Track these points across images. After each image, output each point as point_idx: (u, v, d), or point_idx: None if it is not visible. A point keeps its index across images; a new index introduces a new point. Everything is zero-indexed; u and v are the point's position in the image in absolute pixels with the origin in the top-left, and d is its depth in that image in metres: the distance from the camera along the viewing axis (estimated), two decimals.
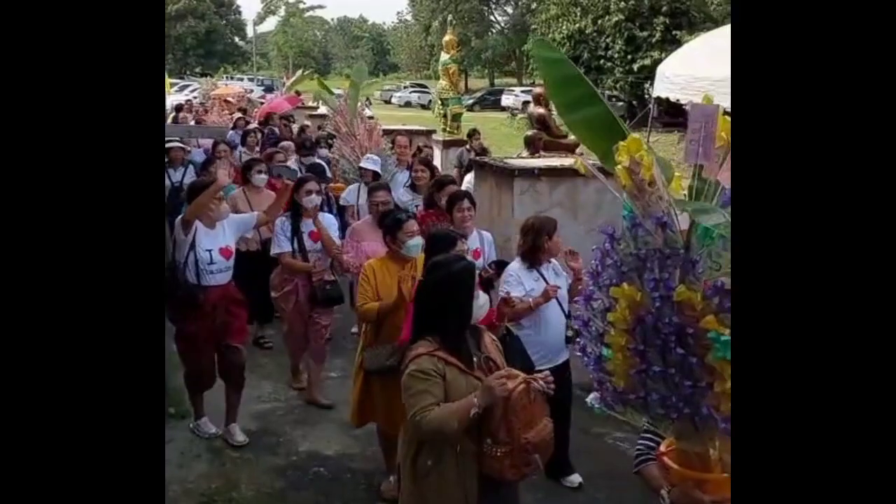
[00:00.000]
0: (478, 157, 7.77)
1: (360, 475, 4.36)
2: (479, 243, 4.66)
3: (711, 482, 1.79)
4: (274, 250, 5.16)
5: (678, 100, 10.14)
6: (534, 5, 32.85)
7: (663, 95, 10.07)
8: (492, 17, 51.39)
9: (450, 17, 21.86)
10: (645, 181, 1.67)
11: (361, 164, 6.61)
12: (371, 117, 8.10)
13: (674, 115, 24.02)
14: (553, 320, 4.10)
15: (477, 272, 4.32)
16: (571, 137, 11.19)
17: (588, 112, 1.99)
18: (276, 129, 10.89)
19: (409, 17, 62.61)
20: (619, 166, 1.71)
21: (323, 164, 7.58)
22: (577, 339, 1.94)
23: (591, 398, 1.94)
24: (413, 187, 6.22)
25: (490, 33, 49.92)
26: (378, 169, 6.50)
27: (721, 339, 1.55)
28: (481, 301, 2.86)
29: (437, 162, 12.39)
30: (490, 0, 49.43)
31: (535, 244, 4.12)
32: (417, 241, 3.95)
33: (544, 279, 4.12)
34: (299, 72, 18.86)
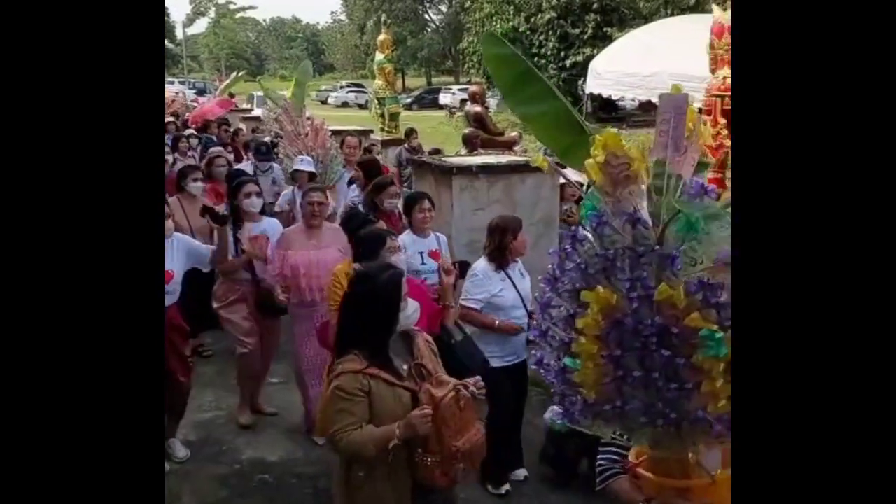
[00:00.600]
0: (417, 156, 7.77)
1: (306, 479, 4.32)
2: (437, 245, 4.57)
3: (695, 488, 1.70)
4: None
5: (610, 95, 10.38)
6: (468, 4, 33.00)
7: (595, 91, 10.28)
8: (426, 16, 51.46)
9: (384, 17, 21.81)
10: (625, 176, 1.59)
11: (295, 167, 6.33)
12: (308, 118, 7.88)
13: (607, 110, 24.63)
14: (517, 319, 4.10)
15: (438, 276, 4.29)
16: (513, 134, 11.34)
17: (545, 108, 1.92)
18: (214, 137, 10.51)
19: (343, 17, 62.22)
20: (591, 161, 1.61)
21: (247, 168, 7.29)
22: (533, 352, 1.81)
23: (550, 416, 1.83)
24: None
25: (425, 32, 49.97)
26: (313, 169, 6.34)
27: (715, 337, 1.47)
28: (410, 310, 2.78)
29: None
30: None
31: (502, 244, 4.07)
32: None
33: (511, 280, 4.10)
34: (234, 74, 18.49)
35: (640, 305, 1.55)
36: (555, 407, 1.81)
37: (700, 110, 6.22)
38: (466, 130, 9.53)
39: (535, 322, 1.81)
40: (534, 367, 1.81)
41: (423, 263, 4.38)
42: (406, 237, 4.48)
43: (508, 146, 10.06)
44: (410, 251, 4.35)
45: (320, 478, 4.26)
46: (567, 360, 1.69)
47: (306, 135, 7.10)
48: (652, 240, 1.58)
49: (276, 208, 6.17)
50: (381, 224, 4.30)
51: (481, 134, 9.50)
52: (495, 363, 3.95)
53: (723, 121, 5.77)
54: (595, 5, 25.54)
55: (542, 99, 1.92)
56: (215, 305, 4.90)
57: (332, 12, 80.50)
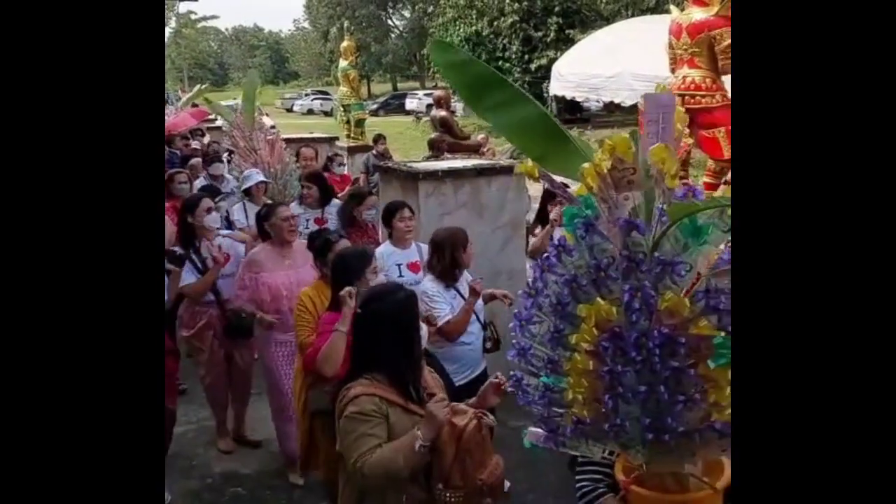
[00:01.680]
0: (384, 162, 7.74)
1: (281, 491, 4.28)
2: (417, 256, 4.33)
3: (694, 501, 1.64)
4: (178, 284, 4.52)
5: (574, 97, 10.49)
6: (431, 9, 33.10)
7: (559, 93, 10.36)
8: (390, 22, 51.45)
9: (346, 24, 21.75)
10: (627, 181, 1.51)
11: (247, 184, 5.84)
12: (273, 126, 7.55)
13: (571, 111, 24.85)
14: (472, 334, 3.88)
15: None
16: (480, 137, 11.41)
17: (517, 114, 1.80)
18: (178, 151, 10.00)
19: (306, 24, 61.91)
20: (587, 166, 1.53)
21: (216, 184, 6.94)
22: (512, 373, 1.70)
23: (531, 439, 1.71)
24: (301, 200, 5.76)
25: (389, 38, 49.96)
26: (265, 178, 6.05)
27: (728, 344, 1.41)
28: (423, 332, 2.61)
29: (344, 169, 12.29)
30: (387, 5, 49.45)
31: (454, 259, 3.83)
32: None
33: (461, 296, 3.86)
34: (197, 87, 18.28)
35: (640, 316, 1.47)
36: (533, 429, 1.73)
37: None
38: (432, 135, 9.55)
39: (513, 341, 1.70)
40: (511, 389, 1.71)
41: (400, 276, 4.17)
42: (384, 248, 4.29)
43: (475, 150, 10.12)
44: (388, 263, 4.15)
45: (295, 489, 4.23)
46: (548, 379, 1.60)
47: (259, 149, 6.65)
48: (646, 246, 1.50)
49: (238, 225, 5.78)
50: (345, 241, 4.01)
51: (447, 138, 9.54)
52: (456, 382, 3.68)
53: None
54: (557, 8, 25.74)
55: (511, 105, 1.82)
56: (185, 333, 4.60)
57: (295, 20, 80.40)
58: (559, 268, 1.60)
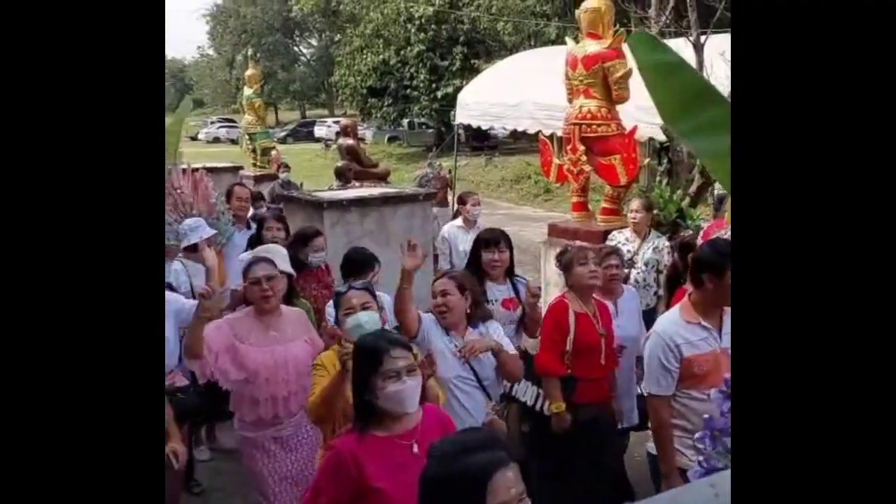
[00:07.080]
0: (289, 192, 7.65)
1: None
2: (512, 293, 3.86)
3: None
4: None
5: (479, 125, 10.71)
6: (338, 37, 33.08)
7: (465, 122, 10.55)
8: (297, 49, 51.16)
9: (252, 51, 21.48)
10: None
11: (195, 238, 4.45)
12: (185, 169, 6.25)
13: (479, 139, 25.31)
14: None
15: None
16: (383, 167, 11.44)
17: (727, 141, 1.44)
18: None
19: (210, 51, 60.69)
20: None
21: None
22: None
23: None
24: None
25: (297, 65, 49.63)
26: (211, 231, 4.70)
27: None
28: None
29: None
30: (293, 33, 49.17)
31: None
32: (364, 319, 2.93)
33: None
34: None
35: None
36: None
37: (561, 139, 6.52)
38: (339, 163, 9.53)
39: (700, 457, 1.35)
40: None
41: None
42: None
43: (383, 178, 10.15)
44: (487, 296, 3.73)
45: None
46: None
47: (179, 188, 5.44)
48: None
49: (183, 290, 4.35)
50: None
51: (354, 167, 9.54)
52: None
53: (581, 148, 6.04)
54: (462, 38, 26.26)
55: (725, 127, 1.46)
56: None
57: (199, 47, 78.15)
58: None
